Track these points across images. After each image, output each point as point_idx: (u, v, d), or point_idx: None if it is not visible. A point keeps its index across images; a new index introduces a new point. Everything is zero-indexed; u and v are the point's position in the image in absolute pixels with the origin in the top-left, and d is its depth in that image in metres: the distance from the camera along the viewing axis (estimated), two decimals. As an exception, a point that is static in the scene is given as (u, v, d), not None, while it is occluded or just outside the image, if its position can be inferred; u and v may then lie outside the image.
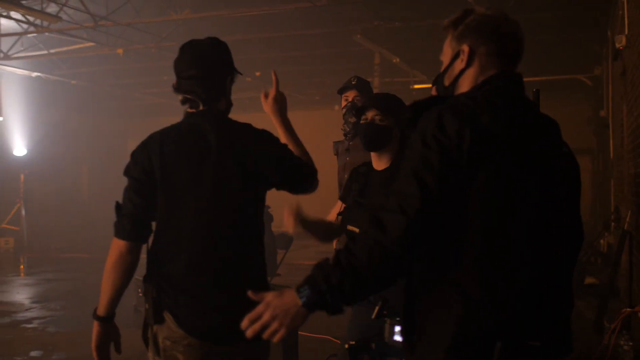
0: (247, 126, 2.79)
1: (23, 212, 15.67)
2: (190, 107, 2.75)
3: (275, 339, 1.88)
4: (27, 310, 9.16)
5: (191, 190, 2.65)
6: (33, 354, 6.90)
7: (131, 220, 2.64)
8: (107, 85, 16.22)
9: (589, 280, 8.64)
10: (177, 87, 2.78)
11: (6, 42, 12.72)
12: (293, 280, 3.33)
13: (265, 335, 1.87)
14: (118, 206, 2.68)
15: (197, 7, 9.99)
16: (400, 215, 1.81)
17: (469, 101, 1.94)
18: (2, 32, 11.89)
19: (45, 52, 12.79)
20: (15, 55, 13.00)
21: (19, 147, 16.50)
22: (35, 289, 11.29)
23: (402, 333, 2.04)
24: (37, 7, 9.77)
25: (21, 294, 10.74)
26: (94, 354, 2.71)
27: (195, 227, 2.65)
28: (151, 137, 2.73)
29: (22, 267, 13.91)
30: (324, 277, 1.83)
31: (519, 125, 1.93)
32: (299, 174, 2.82)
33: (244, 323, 1.88)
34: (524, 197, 1.89)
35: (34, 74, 14.45)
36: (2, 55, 12.95)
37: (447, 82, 2.12)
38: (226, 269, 2.66)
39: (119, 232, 2.65)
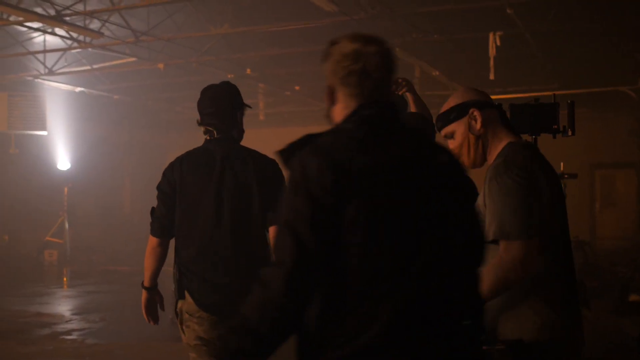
0: (253, 151, 3.67)
1: (66, 225, 15.89)
2: (209, 136, 3.63)
3: None
4: (67, 322, 9.28)
5: (200, 197, 3.54)
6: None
7: (159, 222, 3.64)
8: (148, 99, 16.43)
9: (633, 297, 8.47)
10: (200, 121, 3.66)
11: (51, 58, 12.96)
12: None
13: None
14: (152, 210, 3.68)
15: (236, 22, 10.07)
16: (278, 269, 1.85)
17: (329, 139, 1.99)
18: (47, 48, 12.13)
19: (88, 67, 12.99)
20: (60, 71, 13.22)
21: (63, 161, 16.75)
22: (76, 301, 11.44)
23: None
24: (80, 24, 9.95)
25: (62, 306, 10.88)
26: (144, 314, 3.73)
27: (202, 225, 3.53)
28: (178, 158, 3.66)
29: (65, 279, 14.09)
30: (224, 348, 1.93)
31: (379, 154, 1.96)
32: (275, 208, 3.40)
33: None
34: (392, 219, 1.90)
35: (78, 89, 14.69)
36: (47, 70, 13.19)
37: (327, 114, 2.19)
38: (227, 258, 3.50)
39: (152, 231, 3.66)
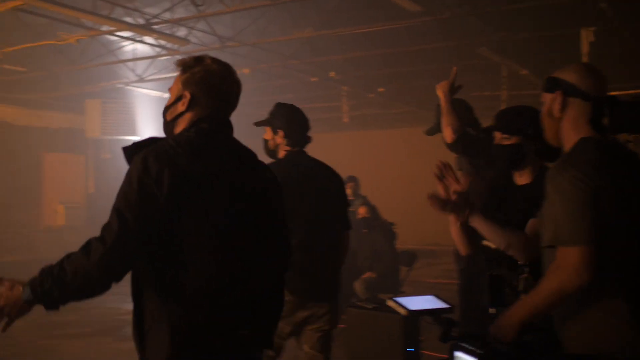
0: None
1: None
2: (291, 148, 4.19)
3: (1, 327, 2.34)
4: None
5: (301, 201, 3.96)
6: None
7: None
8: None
9: None
10: (294, 142, 4.19)
11: (140, 66, 13.32)
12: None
13: None
14: None
15: (319, 25, 10.09)
16: (101, 244, 2.23)
17: (172, 144, 2.37)
18: (137, 56, 12.47)
19: (176, 73, 13.23)
20: (149, 78, 13.57)
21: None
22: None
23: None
24: (168, 32, 10.19)
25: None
26: None
27: (302, 223, 3.89)
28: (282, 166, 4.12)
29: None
30: (40, 282, 2.27)
31: (211, 162, 2.39)
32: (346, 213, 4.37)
33: None
34: (215, 219, 2.35)
35: (166, 95, 14.97)
36: (137, 78, 13.57)
37: (168, 118, 2.60)
38: (318, 251, 4.02)
39: None
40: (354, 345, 5.91)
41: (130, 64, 13.12)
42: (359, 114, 16.48)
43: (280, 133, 4.17)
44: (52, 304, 2.31)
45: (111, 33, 10.48)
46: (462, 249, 3.22)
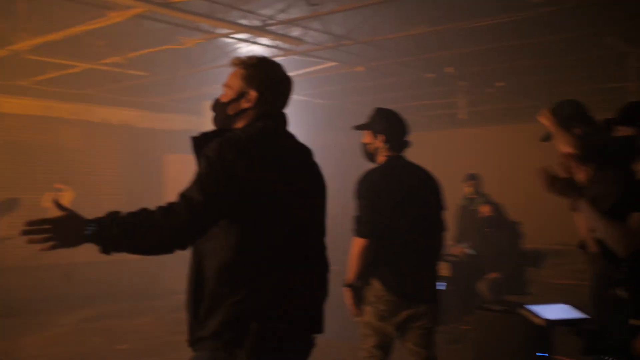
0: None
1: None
2: (392, 153, 4.46)
3: (46, 247, 2.28)
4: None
5: (404, 206, 4.24)
6: None
7: (369, 225, 4.14)
8: (349, 102, 16.63)
9: None
10: (393, 146, 4.46)
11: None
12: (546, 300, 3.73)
13: (41, 241, 2.26)
14: (360, 213, 4.19)
15: (434, 20, 9.88)
16: (184, 211, 2.39)
17: (241, 135, 2.57)
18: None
19: (291, 74, 13.32)
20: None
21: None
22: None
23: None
24: (282, 32, 10.25)
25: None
26: (353, 310, 4.27)
27: (407, 227, 4.18)
28: (383, 171, 4.34)
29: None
30: (109, 223, 2.33)
31: (278, 157, 2.61)
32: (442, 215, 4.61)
33: (29, 225, 2.27)
34: (282, 206, 2.55)
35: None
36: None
37: (231, 112, 2.75)
38: (419, 253, 4.22)
39: (361, 233, 4.15)
40: (481, 347, 5.83)
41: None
42: (475, 110, 16.10)
43: (381, 137, 4.34)
44: (110, 248, 2.38)
45: (227, 36, 10.66)
46: (592, 244, 3.19)
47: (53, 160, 14.55)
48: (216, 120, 2.82)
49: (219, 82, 10.25)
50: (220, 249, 2.51)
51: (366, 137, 4.44)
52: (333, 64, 12.14)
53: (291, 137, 2.82)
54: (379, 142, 4.36)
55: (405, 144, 4.40)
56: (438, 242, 4.43)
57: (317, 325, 2.71)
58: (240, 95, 2.75)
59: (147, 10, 8.76)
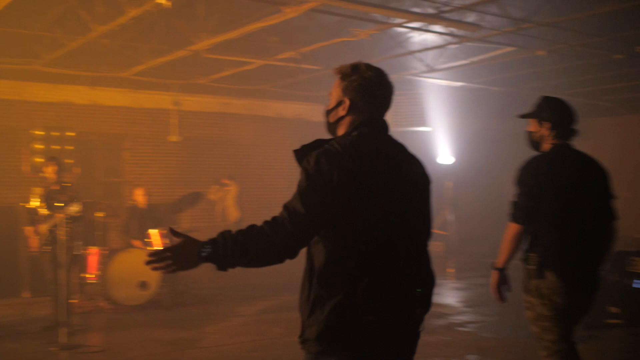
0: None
1: (451, 218, 16.14)
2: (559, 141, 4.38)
3: (169, 271, 2.59)
4: (460, 313, 9.31)
5: (574, 196, 4.25)
6: (469, 357, 6.92)
7: (525, 211, 4.23)
8: (528, 89, 15.92)
9: None
10: (561, 134, 4.43)
11: (429, 55, 13.23)
12: None
13: (162, 267, 2.58)
14: (513, 203, 4.30)
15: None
16: (289, 224, 2.57)
17: (336, 147, 2.69)
18: (426, 46, 12.37)
19: (466, 61, 12.98)
20: (439, 67, 13.44)
21: (445, 156, 17.05)
22: (466, 293, 11.50)
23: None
24: (457, 18, 9.91)
25: (452, 297, 10.99)
26: (494, 294, 4.34)
27: (573, 215, 4.24)
28: (547, 159, 4.33)
29: (451, 270, 14.30)
30: (222, 244, 2.56)
31: (372, 164, 2.69)
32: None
33: (151, 256, 2.58)
34: (377, 211, 2.66)
35: (457, 84, 14.81)
36: (427, 68, 13.50)
37: (331, 120, 2.93)
38: (591, 242, 4.29)
39: (516, 219, 4.27)
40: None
41: (419, 54, 13.06)
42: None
43: (547, 125, 4.34)
44: (226, 265, 2.61)
45: (401, 25, 10.47)
46: None
47: (229, 154, 15.06)
48: (325, 127, 3.02)
49: (392, 72, 10.16)
50: (320, 254, 2.69)
51: (532, 125, 4.46)
52: (511, 49, 11.63)
53: (389, 142, 2.90)
54: (544, 130, 4.37)
55: (572, 133, 4.38)
56: (608, 232, 4.39)
57: (415, 320, 2.85)
58: (338, 104, 2.91)
59: (321, 4, 8.77)
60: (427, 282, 2.88)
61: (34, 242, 8.39)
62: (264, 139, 15.71)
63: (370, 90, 2.87)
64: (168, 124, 14.45)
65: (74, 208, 7.66)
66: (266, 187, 15.46)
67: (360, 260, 2.65)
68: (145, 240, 9.96)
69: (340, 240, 2.66)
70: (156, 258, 2.59)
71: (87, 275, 9.93)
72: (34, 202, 8.50)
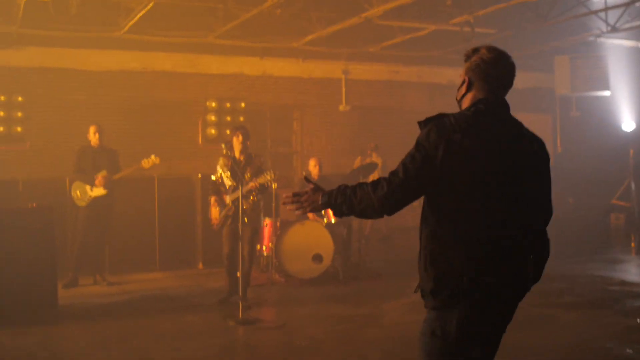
0: None
1: (633, 188, 15.08)
2: None
3: (298, 213, 3.34)
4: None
5: None
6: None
7: None
8: None
9: None
10: None
11: (613, 15, 12.28)
12: None
13: (298, 208, 3.30)
14: None
15: None
16: (386, 185, 3.02)
17: (451, 120, 3.03)
18: (609, 5, 11.49)
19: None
20: (622, 27, 12.46)
21: (628, 122, 15.90)
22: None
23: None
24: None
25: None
26: None
27: None
28: None
29: (633, 244, 13.36)
30: (335, 196, 3.16)
31: (482, 138, 3.00)
32: None
33: (289, 197, 3.34)
34: (481, 182, 2.97)
35: (642, 44, 13.71)
36: (609, 28, 12.55)
37: (458, 97, 3.27)
38: None
39: None
40: None
41: (601, 14, 12.16)
42: None
43: None
44: (337, 213, 3.20)
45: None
46: None
47: (399, 123, 14.78)
48: (457, 101, 3.29)
49: (571, 34, 9.50)
50: (429, 217, 3.07)
51: None
52: None
53: (503, 120, 3.14)
54: None
55: None
56: None
57: (520, 283, 3.05)
58: (462, 83, 3.22)
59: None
60: (538, 255, 3.11)
61: (216, 214, 8.24)
62: (434, 107, 15.22)
63: (485, 71, 3.13)
64: (337, 93, 14.36)
65: (267, 177, 7.60)
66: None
67: (474, 226, 2.96)
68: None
69: (444, 206, 3.01)
70: (292, 200, 3.33)
71: (262, 248, 10.06)
72: (219, 173, 8.28)
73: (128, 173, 9.67)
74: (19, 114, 11.09)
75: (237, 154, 8.20)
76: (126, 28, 11.30)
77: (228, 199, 8.13)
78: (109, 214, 9.78)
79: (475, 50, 3.19)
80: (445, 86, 15.34)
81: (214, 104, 12.42)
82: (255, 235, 8.50)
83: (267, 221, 9.92)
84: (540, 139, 3.22)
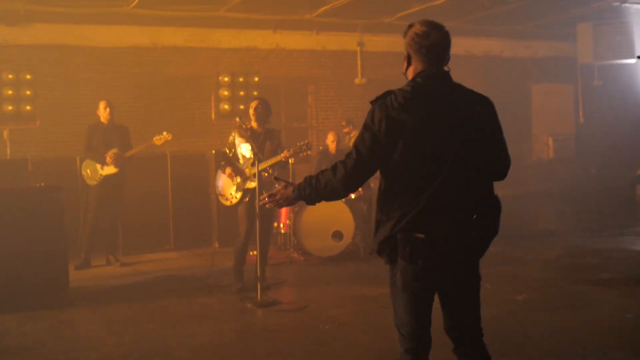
0: None
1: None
2: None
3: (274, 207, 3.89)
4: None
5: None
6: None
7: None
8: None
9: None
10: None
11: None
12: None
13: (274, 206, 3.79)
14: None
15: None
16: (343, 168, 3.39)
17: (392, 98, 3.31)
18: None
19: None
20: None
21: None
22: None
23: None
24: None
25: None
26: None
27: None
28: None
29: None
30: (303, 187, 3.56)
31: (420, 110, 3.27)
32: None
33: (265, 197, 3.82)
34: (419, 152, 3.25)
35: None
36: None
37: (403, 71, 3.50)
38: None
39: None
40: None
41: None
42: None
43: None
44: (311, 202, 3.59)
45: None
46: None
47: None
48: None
49: (594, 1, 9.04)
50: (381, 185, 3.40)
51: None
52: None
53: (443, 89, 3.34)
54: None
55: None
56: None
57: (461, 238, 3.29)
58: (404, 58, 3.45)
59: None
60: (486, 209, 3.35)
61: (229, 189, 7.63)
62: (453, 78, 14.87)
63: (419, 43, 3.33)
64: (352, 66, 13.95)
65: (285, 153, 7.16)
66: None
67: (408, 191, 3.27)
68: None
69: (392, 175, 3.32)
70: (269, 200, 3.75)
71: (279, 225, 9.74)
72: (234, 146, 7.73)
73: (140, 150, 9.38)
74: (28, 92, 10.73)
75: (255, 125, 7.68)
76: (135, 2, 10.92)
77: (248, 172, 7.53)
78: (120, 193, 9.52)
79: (410, 26, 3.40)
80: (462, 57, 14.87)
81: (226, 79, 12.01)
82: (273, 211, 8.11)
83: (283, 198, 9.61)
84: (486, 99, 3.43)
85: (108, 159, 9.14)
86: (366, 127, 3.31)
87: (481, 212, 3.31)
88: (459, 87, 3.38)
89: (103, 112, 9.36)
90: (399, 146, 3.22)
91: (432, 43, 3.32)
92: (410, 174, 3.26)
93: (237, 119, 7.49)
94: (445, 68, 3.39)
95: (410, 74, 3.39)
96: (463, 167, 3.26)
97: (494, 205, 3.37)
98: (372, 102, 3.37)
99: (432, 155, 3.24)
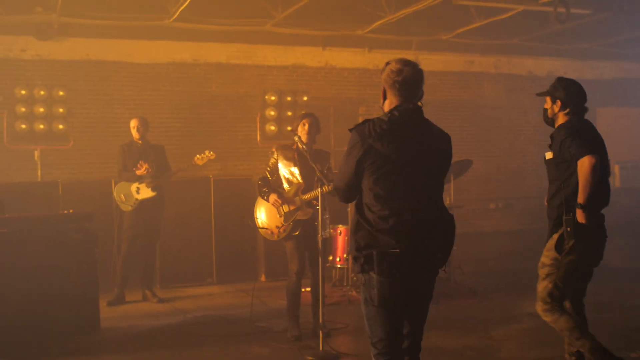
0: None
1: None
2: None
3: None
4: None
5: None
6: None
7: None
8: None
9: None
10: None
11: None
12: None
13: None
14: None
15: None
16: (335, 190, 3.97)
17: (370, 127, 3.69)
18: None
19: None
20: None
21: None
22: None
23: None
24: None
25: None
26: None
27: None
28: None
29: None
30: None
31: (394, 141, 3.66)
32: None
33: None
34: (391, 174, 3.68)
35: None
36: None
37: (380, 104, 3.92)
38: None
39: None
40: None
41: None
42: None
43: (558, 103, 5.14)
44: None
45: None
46: None
47: (473, 118, 13.55)
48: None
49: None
50: (358, 200, 3.83)
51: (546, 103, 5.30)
52: None
53: (416, 122, 3.76)
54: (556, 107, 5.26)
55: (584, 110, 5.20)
56: None
57: (427, 254, 3.74)
58: (381, 92, 3.88)
59: None
60: (446, 225, 3.82)
61: (275, 219, 6.69)
62: (512, 101, 13.90)
63: (393, 79, 3.72)
64: (407, 86, 13.03)
65: None
66: (514, 155, 13.78)
67: (377, 207, 3.68)
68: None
69: (368, 194, 3.72)
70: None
71: (335, 259, 8.75)
72: (276, 168, 6.77)
73: (179, 172, 8.50)
74: (61, 110, 9.90)
75: (304, 144, 6.39)
76: (175, 15, 10.13)
77: (298, 201, 6.53)
78: (158, 219, 8.61)
79: (387, 64, 3.78)
80: (525, 78, 13.95)
81: (273, 98, 11.11)
82: (325, 245, 6.97)
83: (340, 228, 8.63)
84: (447, 136, 3.87)
85: (140, 171, 8.24)
86: (348, 152, 3.74)
87: (443, 227, 3.80)
88: (428, 122, 3.83)
89: (132, 132, 8.51)
90: (375, 170, 3.67)
91: (405, 79, 3.69)
92: (384, 196, 3.67)
93: (296, 139, 6.41)
94: (419, 103, 3.76)
95: (386, 107, 3.81)
96: (428, 192, 3.79)
97: (451, 221, 3.85)
98: (350, 130, 3.75)
99: (404, 180, 3.69)
